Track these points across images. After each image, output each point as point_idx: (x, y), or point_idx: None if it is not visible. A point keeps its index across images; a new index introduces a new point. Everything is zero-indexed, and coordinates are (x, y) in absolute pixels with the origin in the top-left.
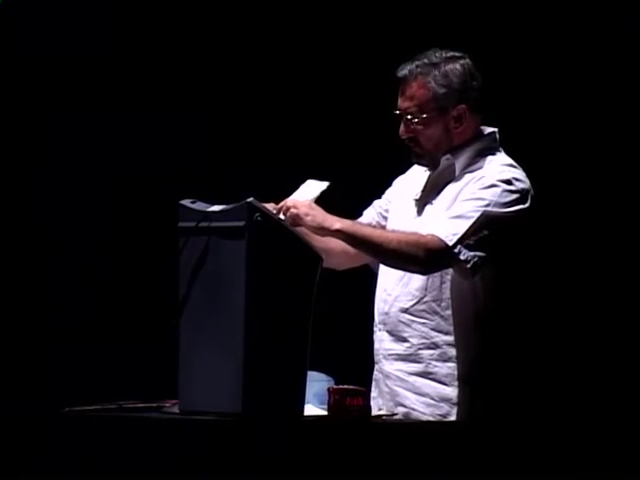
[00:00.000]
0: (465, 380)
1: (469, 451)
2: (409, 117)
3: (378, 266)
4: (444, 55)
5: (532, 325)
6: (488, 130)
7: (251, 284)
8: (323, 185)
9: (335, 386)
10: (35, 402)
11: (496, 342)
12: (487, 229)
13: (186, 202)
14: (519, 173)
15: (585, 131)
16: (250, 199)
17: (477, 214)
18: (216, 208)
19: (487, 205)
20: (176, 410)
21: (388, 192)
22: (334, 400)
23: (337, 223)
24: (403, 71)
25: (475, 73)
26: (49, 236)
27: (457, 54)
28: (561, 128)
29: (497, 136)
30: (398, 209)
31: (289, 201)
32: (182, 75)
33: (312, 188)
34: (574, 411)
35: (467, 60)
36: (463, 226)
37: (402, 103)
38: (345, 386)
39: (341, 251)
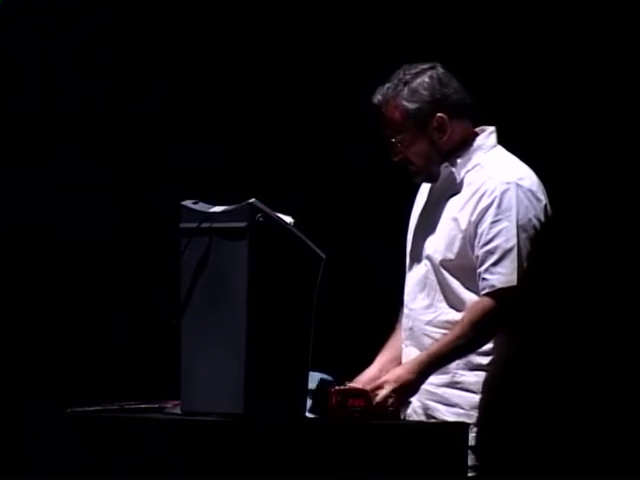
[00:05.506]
0: (490, 386)
1: (471, 453)
2: (393, 140)
3: None
4: (412, 71)
5: (553, 329)
6: (483, 129)
7: (253, 285)
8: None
9: (337, 387)
10: (37, 403)
11: (517, 347)
12: (530, 245)
13: (188, 203)
14: (521, 170)
15: (584, 130)
16: (252, 200)
17: (515, 239)
18: (218, 209)
19: (514, 222)
20: (178, 411)
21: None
22: (336, 401)
23: (411, 375)
24: (376, 97)
25: (447, 80)
26: (49, 236)
27: (425, 66)
28: (561, 128)
29: (494, 134)
30: (412, 225)
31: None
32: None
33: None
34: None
35: (436, 69)
36: (512, 261)
37: (384, 129)
38: (347, 387)
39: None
